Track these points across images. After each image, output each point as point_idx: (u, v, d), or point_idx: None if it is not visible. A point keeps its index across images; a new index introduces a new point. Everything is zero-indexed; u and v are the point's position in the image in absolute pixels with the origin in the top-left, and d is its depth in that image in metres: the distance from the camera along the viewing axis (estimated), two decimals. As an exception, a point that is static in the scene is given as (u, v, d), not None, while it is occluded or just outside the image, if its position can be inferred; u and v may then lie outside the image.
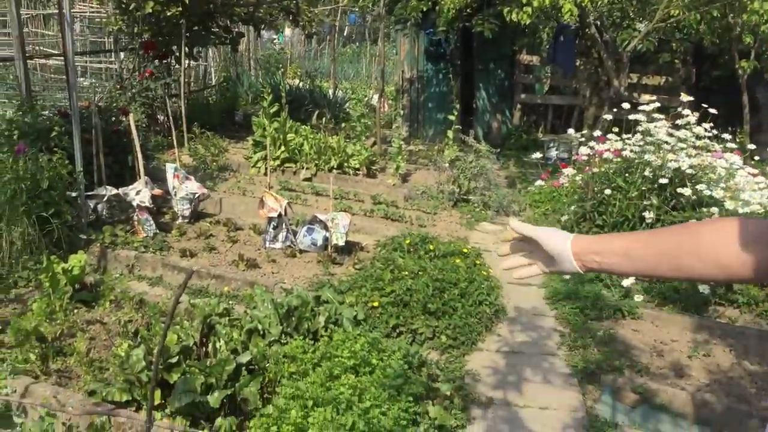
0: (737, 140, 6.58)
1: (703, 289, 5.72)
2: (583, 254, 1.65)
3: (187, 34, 11.48)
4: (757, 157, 7.04)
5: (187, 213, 7.46)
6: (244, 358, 4.05)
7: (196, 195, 7.48)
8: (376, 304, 5.32)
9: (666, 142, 6.28)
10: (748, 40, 9.56)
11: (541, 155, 11.46)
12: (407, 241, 6.43)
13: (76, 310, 5.25)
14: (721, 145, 6.41)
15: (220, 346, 4.28)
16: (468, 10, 10.21)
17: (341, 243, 6.60)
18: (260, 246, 6.88)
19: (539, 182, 8.27)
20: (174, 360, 4.01)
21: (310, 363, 4.21)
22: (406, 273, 5.68)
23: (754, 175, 6.12)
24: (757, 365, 5.05)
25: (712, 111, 6.44)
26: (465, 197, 8.73)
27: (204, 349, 4.34)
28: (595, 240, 1.66)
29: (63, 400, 4.08)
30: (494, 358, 5.05)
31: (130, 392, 3.99)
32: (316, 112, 12.44)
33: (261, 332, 4.54)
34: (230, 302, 5.59)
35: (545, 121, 13.01)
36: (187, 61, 12.27)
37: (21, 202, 5.97)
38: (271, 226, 6.80)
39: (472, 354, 5.07)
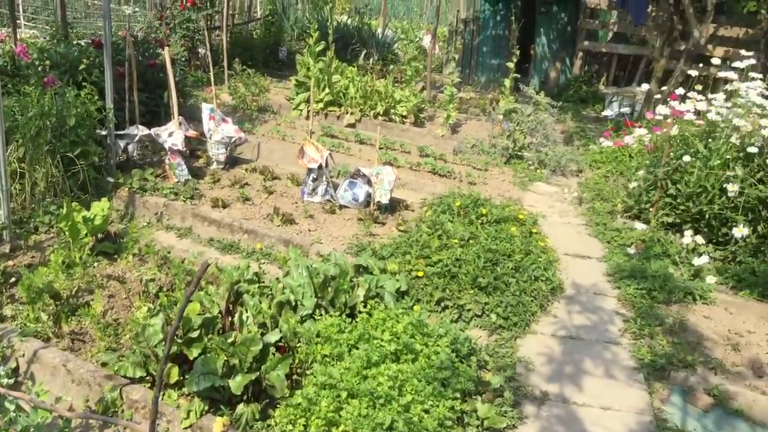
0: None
1: (787, 274, 5.09)
2: None
3: (232, -37, 10.84)
4: None
5: (222, 158, 7.00)
6: (273, 337, 3.61)
7: (233, 139, 6.99)
8: (421, 274, 4.82)
9: (759, 106, 5.52)
10: None
11: (602, 110, 10.65)
12: (458, 203, 5.87)
13: (96, 263, 4.88)
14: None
15: (247, 318, 3.85)
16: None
17: (385, 200, 6.07)
18: (298, 199, 6.40)
19: (603, 141, 7.54)
20: (195, 334, 3.59)
21: (345, 344, 3.75)
22: (456, 241, 5.15)
23: None
24: None
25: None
26: (519, 153, 8.07)
27: (230, 319, 3.93)
28: None
29: (73, 370, 3.73)
30: (550, 343, 4.53)
31: (145, 367, 3.61)
32: (363, 53, 11.76)
33: (293, 304, 4.08)
34: (262, 261, 5.17)
35: (608, 72, 12.07)
36: (231, -8, 11.65)
37: (45, 141, 5.57)
38: (311, 177, 6.30)
39: (525, 337, 4.55)
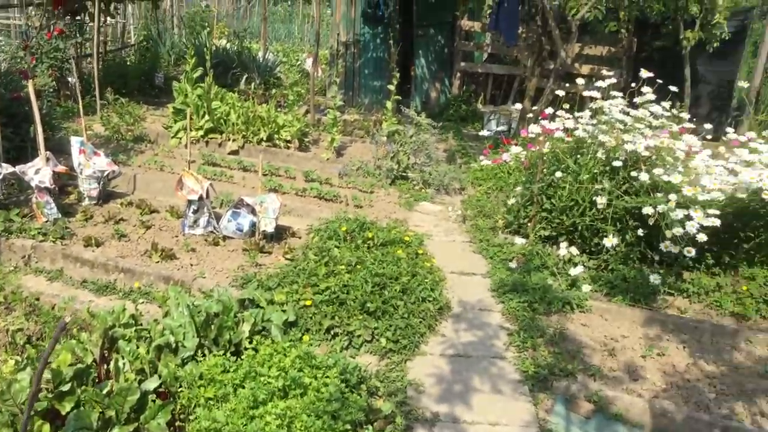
0: (674, 114, 6.21)
1: (654, 278, 5.43)
2: None
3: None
4: (709, 136, 6.73)
5: (94, 194, 6.65)
6: (151, 384, 3.44)
7: (105, 173, 6.67)
8: (308, 303, 4.76)
9: (621, 122, 5.89)
10: (694, 10, 9.28)
11: (481, 128, 11.02)
12: (344, 228, 5.87)
13: (-45, 316, 4.51)
14: (660, 121, 6.04)
15: (124, 365, 3.65)
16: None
17: (270, 229, 5.98)
18: (178, 232, 6.18)
19: (483, 159, 7.79)
20: (66, 387, 3.36)
21: (230, 385, 3.63)
22: (343, 267, 5.14)
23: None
24: (713, 365, 4.77)
25: (647, 89, 6.10)
26: (404, 174, 8.20)
27: (105, 367, 3.71)
28: None
29: (-73, 438, 3.40)
30: (439, 363, 4.59)
31: (14, 426, 3.33)
32: (245, 77, 11.61)
33: (173, 346, 3.91)
34: (141, 300, 4.94)
35: (485, 91, 12.55)
36: (102, 18, 11.19)
37: None
38: (191, 209, 6.10)
39: (414, 359, 4.58)
